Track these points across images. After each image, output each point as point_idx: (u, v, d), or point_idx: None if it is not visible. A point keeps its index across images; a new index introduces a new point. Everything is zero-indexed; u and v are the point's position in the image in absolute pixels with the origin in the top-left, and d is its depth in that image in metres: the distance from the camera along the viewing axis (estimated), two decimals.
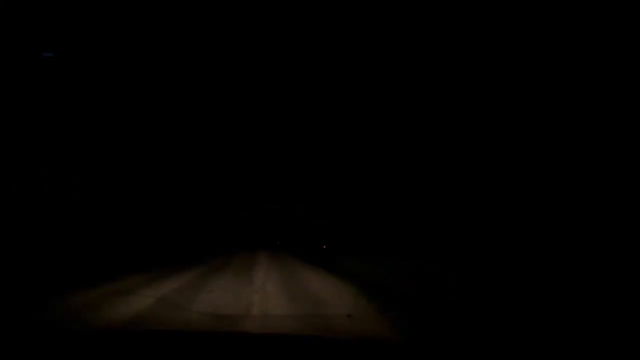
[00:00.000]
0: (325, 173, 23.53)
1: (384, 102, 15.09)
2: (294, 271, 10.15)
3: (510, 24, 9.28)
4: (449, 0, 11.01)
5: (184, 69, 17.91)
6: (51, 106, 12.17)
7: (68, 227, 11.98)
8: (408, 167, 13.70)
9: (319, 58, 16.87)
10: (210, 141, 24.70)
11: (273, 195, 36.63)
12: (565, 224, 7.02)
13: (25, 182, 10.79)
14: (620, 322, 3.82)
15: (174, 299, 5.67)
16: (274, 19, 14.81)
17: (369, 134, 16.69)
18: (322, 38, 16.12)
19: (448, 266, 8.01)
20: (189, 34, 15.71)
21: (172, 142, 20.68)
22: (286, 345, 1.77)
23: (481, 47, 10.32)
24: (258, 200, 38.49)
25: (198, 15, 14.48)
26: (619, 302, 4.47)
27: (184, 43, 16.06)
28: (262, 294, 6.24)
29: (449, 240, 10.12)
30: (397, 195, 14.60)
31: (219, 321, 4.37)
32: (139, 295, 5.88)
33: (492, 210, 9.06)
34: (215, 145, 25.65)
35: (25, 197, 10.61)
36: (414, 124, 13.48)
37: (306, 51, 16.69)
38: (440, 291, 6.23)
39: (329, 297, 6.01)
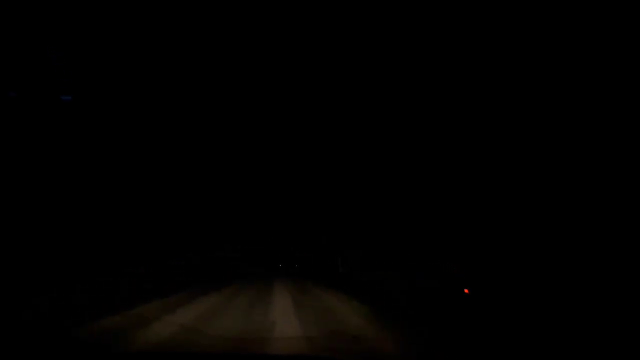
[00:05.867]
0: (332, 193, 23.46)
1: (390, 117, 15.19)
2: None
3: (509, 24, 9.32)
4: (449, 1, 11.09)
5: (186, 83, 18.13)
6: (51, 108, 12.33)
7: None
8: (414, 180, 13.77)
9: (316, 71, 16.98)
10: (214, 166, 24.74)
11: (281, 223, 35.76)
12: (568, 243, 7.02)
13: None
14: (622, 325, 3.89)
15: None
16: (279, 23, 14.94)
17: (374, 148, 16.75)
18: (322, 46, 16.28)
19: (447, 281, 8.12)
20: (192, 49, 15.92)
21: (177, 151, 20.84)
22: None
23: (481, 47, 10.36)
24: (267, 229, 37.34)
25: (209, 27, 14.65)
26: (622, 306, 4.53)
27: (181, 63, 16.26)
28: None
29: (451, 252, 10.23)
30: (401, 211, 14.66)
31: (237, 344, 4.66)
32: (161, 321, 6.10)
33: (497, 224, 9.11)
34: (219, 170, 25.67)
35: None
36: (417, 136, 13.57)
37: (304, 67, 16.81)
38: (442, 307, 6.35)
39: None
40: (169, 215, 20.52)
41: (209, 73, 18.41)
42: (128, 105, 16.07)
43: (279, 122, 24.46)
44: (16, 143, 11.25)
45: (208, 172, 26.21)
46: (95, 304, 7.62)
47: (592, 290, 5.51)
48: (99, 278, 10.67)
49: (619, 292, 5.25)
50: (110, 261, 12.71)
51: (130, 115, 16.32)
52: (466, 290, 7.07)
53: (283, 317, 6.50)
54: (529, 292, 6.31)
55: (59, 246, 11.45)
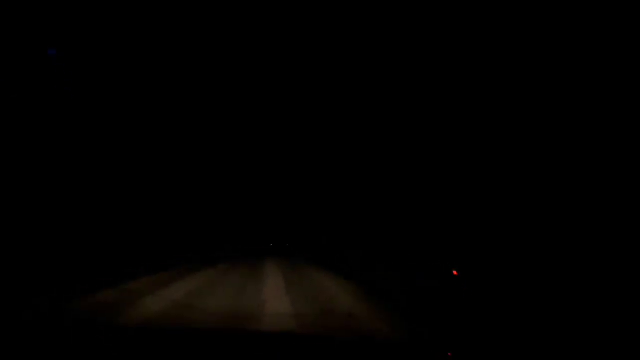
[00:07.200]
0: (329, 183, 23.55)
1: (389, 116, 15.23)
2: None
3: (509, 24, 9.34)
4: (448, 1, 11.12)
5: (186, 79, 18.21)
6: (51, 105, 12.43)
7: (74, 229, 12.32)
8: (412, 175, 13.81)
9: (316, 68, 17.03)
10: (213, 147, 24.82)
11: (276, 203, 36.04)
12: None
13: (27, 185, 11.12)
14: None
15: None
16: (277, 23, 14.97)
17: (373, 143, 16.80)
18: (321, 45, 16.35)
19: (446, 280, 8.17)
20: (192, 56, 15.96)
21: (175, 146, 20.94)
22: (293, 343, 1.93)
23: (480, 46, 10.38)
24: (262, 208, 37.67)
25: (213, 28, 14.70)
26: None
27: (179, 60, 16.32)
28: None
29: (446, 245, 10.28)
30: (398, 203, 14.72)
31: (229, 319, 4.67)
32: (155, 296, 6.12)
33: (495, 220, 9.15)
34: (218, 152, 25.73)
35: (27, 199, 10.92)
36: (417, 137, 13.61)
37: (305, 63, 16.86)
38: (437, 296, 6.39)
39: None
40: (168, 216, 20.57)
41: (209, 73, 18.48)
42: (128, 105, 16.14)
43: (280, 123, 24.55)
44: (16, 143, 11.30)
45: (208, 172, 26.27)
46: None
47: (591, 289, 5.53)
48: (99, 278, 10.70)
49: (618, 289, 5.26)
50: (110, 261, 12.74)
51: (130, 116, 16.40)
52: (455, 272, 7.19)
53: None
54: (525, 287, 6.35)
55: (58, 247, 11.49)
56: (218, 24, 15.29)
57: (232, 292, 7.03)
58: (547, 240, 7.57)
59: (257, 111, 22.81)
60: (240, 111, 22.55)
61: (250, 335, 2.53)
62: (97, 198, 14.21)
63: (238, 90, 20.48)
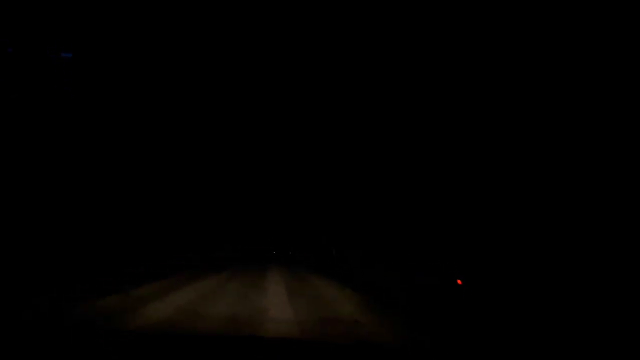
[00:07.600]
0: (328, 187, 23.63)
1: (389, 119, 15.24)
2: None
3: (509, 24, 9.33)
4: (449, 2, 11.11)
5: (189, 82, 18.20)
6: (52, 105, 12.44)
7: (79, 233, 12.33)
8: (411, 177, 13.81)
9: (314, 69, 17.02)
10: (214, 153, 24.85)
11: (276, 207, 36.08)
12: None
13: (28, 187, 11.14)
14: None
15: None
16: (278, 23, 14.95)
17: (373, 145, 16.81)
18: (321, 46, 16.35)
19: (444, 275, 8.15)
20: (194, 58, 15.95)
21: (176, 147, 20.93)
22: (298, 348, 1.93)
23: (480, 46, 10.37)
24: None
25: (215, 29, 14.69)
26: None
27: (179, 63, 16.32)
28: None
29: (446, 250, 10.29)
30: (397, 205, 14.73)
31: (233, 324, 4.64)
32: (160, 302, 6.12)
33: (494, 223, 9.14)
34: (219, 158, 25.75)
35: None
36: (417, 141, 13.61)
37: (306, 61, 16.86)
38: (437, 300, 6.39)
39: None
40: (169, 215, 20.58)
41: (209, 73, 18.47)
42: (129, 106, 16.14)
43: (280, 123, 24.58)
44: (16, 143, 11.30)
45: (209, 172, 26.29)
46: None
47: (592, 292, 5.52)
48: (99, 278, 10.72)
49: (618, 296, 5.26)
50: (110, 261, 12.74)
51: (131, 116, 16.40)
52: (459, 282, 7.18)
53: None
54: (525, 289, 6.34)
55: (58, 247, 11.48)
56: (218, 24, 15.27)
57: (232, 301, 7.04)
58: (548, 240, 7.56)
59: (259, 115, 22.79)
60: (242, 114, 22.53)
61: (254, 340, 2.53)
62: (98, 198, 14.20)
63: (241, 95, 20.49)
